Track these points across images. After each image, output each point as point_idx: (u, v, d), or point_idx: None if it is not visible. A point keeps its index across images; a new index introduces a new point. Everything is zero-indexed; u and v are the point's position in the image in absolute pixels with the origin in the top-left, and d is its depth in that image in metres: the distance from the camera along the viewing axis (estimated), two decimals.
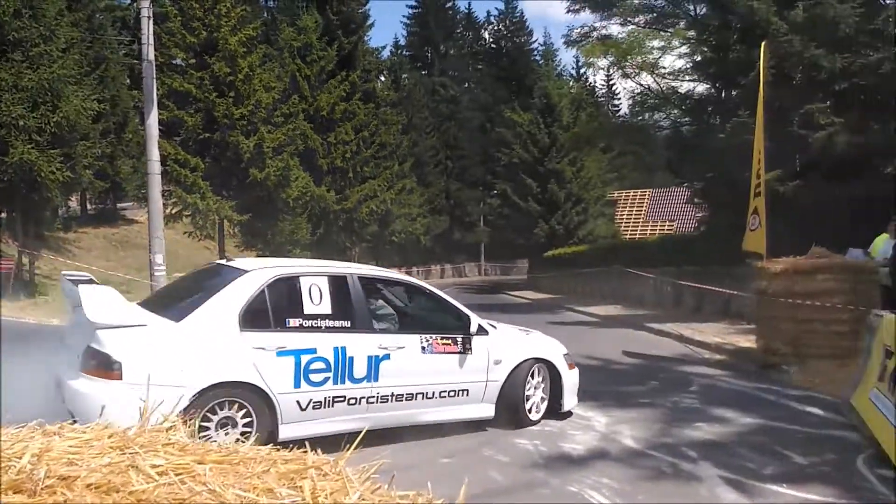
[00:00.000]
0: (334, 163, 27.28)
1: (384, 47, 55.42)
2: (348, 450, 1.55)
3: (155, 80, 16.98)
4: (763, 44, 11.81)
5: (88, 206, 31.33)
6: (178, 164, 17.99)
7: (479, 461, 5.14)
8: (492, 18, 77.09)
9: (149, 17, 16.68)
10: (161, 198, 17.35)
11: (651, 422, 6.40)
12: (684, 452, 5.35)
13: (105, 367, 4.42)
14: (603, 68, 37.74)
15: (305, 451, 1.50)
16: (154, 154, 16.67)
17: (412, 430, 5.92)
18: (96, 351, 4.46)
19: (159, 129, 17.24)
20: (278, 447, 1.56)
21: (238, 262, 5.64)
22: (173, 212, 18.96)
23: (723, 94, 17.12)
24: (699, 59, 16.90)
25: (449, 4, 67.16)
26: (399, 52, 61.86)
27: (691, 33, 17.46)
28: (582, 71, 63.98)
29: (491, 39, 76.76)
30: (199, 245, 25.67)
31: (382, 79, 43.87)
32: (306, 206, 23.94)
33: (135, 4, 35.26)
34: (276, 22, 33.62)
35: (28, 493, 1.07)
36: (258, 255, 24.25)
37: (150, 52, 16.71)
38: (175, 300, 5.34)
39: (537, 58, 71.40)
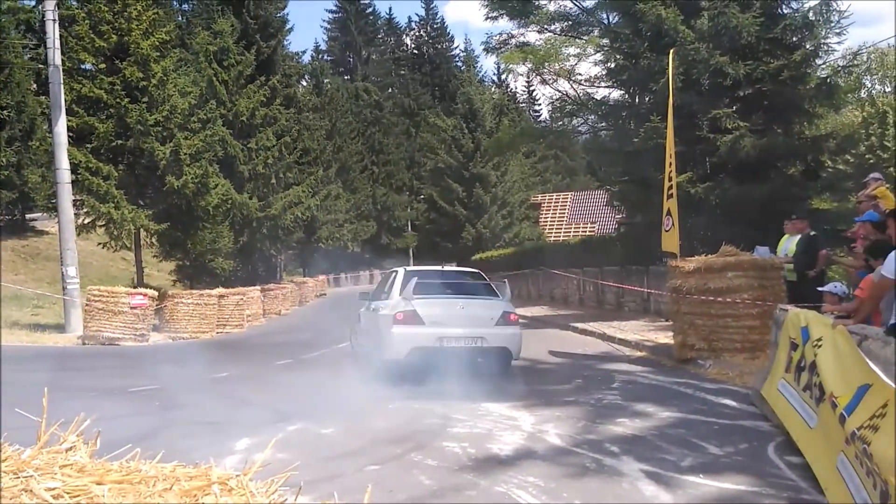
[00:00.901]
0: (256, 169, 26.70)
1: (304, 52, 54.60)
2: (255, 464, 1.51)
3: (63, 86, 16.25)
4: (671, 51, 12.28)
5: None
6: (90, 172, 17.20)
7: (407, 466, 5.13)
8: (413, 24, 77.39)
9: (54, 21, 15.98)
10: (72, 208, 16.61)
11: (576, 419, 6.54)
12: (607, 448, 5.48)
13: (514, 320, 8.82)
14: (522, 75, 38.25)
15: (210, 467, 1.45)
16: (63, 162, 15.95)
17: (342, 439, 5.88)
18: (510, 312, 8.77)
19: (69, 137, 16.49)
20: (184, 464, 1.51)
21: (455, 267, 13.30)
22: (86, 222, 18.13)
23: (636, 100, 17.68)
24: (612, 66, 17.40)
25: (369, 9, 67.01)
26: (320, 56, 61.39)
27: (605, 41, 17.96)
28: (503, 77, 65.03)
29: (413, 45, 77.09)
30: (115, 256, 24.68)
31: (304, 83, 43.33)
32: (228, 213, 23.31)
33: (40, 7, 33.60)
34: (191, 26, 32.72)
35: None
36: (178, 266, 23.49)
37: (56, 57, 16.00)
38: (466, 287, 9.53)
39: (459, 63, 72.18)
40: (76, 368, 11.06)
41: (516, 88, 70.22)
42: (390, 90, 65.10)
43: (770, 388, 6.32)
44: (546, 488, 4.55)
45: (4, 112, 24.86)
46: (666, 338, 11.16)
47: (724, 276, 9.15)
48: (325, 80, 49.89)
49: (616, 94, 19.02)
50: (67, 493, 1.14)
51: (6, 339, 14.37)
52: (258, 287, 22.41)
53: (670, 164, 11.09)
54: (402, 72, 71.54)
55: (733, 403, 7.08)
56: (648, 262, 15.55)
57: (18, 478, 1.19)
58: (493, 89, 60.81)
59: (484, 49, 22.02)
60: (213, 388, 8.97)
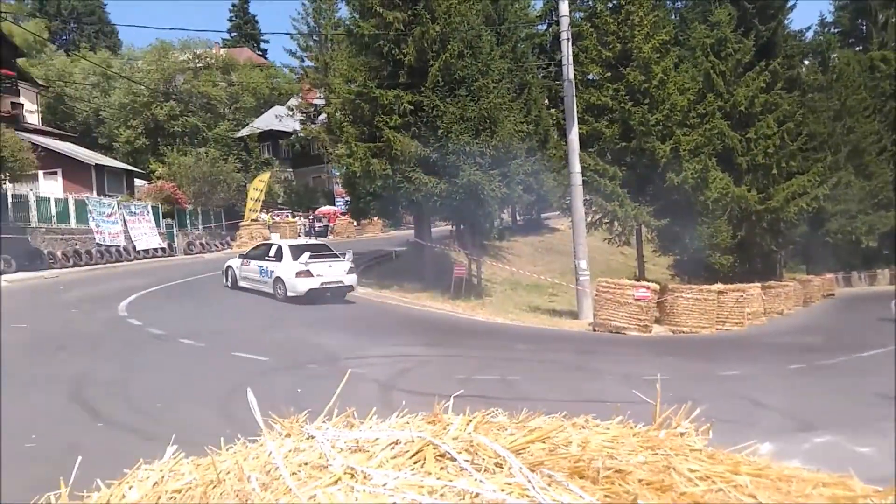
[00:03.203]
0: (755, 160, 25.41)
1: (808, 28, 49.70)
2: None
3: (574, 97, 18.07)
4: None
5: (517, 218, 34.81)
6: (597, 174, 18.75)
7: None
8: None
9: (567, 40, 17.85)
10: (582, 207, 18.36)
11: None
12: None
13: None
14: None
15: (850, 476, 1.35)
16: (576, 166, 17.73)
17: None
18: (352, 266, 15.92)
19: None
20: (808, 468, 1.46)
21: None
22: (593, 220, 19.85)
23: None
24: None
25: None
26: (826, 30, 55.02)
27: None
28: None
29: None
30: (613, 250, 26.42)
31: (807, 62, 39.58)
32: (726, 207, 22.76)
33: (551, 29, 38.07)
34: (686, 22, 32.88)
35: (591, 480, 1.19)
36: (675, 261, 23.94)
37: (569, 72, 17.86)
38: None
39: None
40: (590, 352, 12.20)
41: None
42: None
43: None
44: None
45: (527, 127, 28.85)
46: None
47: None
48: (832, 55, 44.54)
49: None
50: (710, 478, 1.21)
51: (532, 321, 16.70)
52: (758, 284, 21.29)
53: None
54: None
55: None
56: None
57: (657, 454, 1.31)
58: None
59: None
60: (722, 384, 8.87)
